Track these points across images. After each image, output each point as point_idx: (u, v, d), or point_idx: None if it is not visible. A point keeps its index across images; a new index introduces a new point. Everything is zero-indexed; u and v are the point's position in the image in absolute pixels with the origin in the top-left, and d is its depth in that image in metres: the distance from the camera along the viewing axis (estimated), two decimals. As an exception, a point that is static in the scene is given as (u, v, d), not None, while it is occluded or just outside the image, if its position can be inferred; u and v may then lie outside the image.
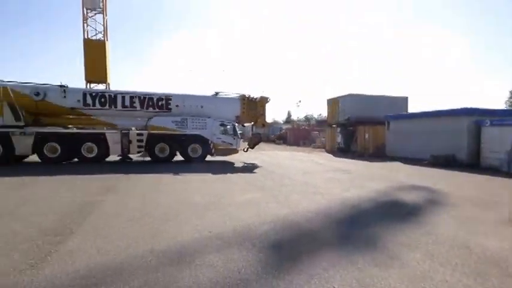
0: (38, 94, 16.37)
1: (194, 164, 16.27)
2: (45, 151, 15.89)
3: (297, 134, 42.58)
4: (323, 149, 31.26)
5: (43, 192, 8.91)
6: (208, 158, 18.21)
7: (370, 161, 19.42)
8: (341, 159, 21.15)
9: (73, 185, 10.15)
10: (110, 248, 4.68)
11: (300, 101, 56.98)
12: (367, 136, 25.30)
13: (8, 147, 15.42)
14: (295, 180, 11.27)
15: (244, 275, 3.86)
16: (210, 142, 17.67)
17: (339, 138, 29.26)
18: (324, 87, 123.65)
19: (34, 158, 16.36)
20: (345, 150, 27.33)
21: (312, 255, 4.50)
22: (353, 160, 20.28)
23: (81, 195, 8.41)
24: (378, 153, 23.36)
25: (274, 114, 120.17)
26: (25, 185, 9.98)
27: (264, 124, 20.03)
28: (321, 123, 48.05)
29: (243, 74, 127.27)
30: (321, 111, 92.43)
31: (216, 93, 19.07)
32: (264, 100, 19.56)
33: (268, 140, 43.60)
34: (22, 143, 15.59)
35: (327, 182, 11.19)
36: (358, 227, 5.91)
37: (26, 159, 16.96)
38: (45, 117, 17.00)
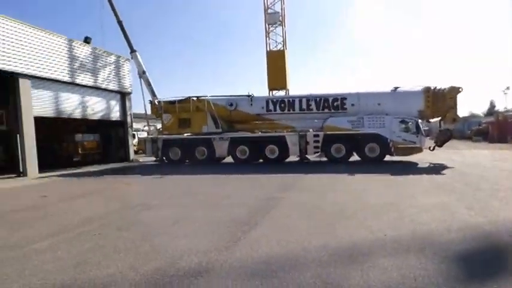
0: (231, 105, 19.19)
1: (371, 164, 15.77)
2: (237, 153, 18.41)
3: (503, 128, 34.02)
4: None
5: (236, 188, 10.42)
6: (388, 158, 17.31)
7: None
8: None
9: (257, 183, 11.45)
10: (288, 240, 5.08)
11: (507, 88, 46.91)
12: None
13: (210, 150, 18.67)
14: (496, 185, 9.47)
15: (420, 284, 3.54)
16: (389, 141, 16.76)
17: None
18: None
19: (229, 159, 19.20)
20: None
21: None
22: None
23: (264, 192, 9.40)
24: None
25: (470, 105, 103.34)
26: (224, 183, 11.87)
27: (456, 118, 17.55)
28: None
29: (428, 64, 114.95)
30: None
31: (395, 88, 17.94)
32: (454, 91, 17.15)
33: (463, 137, 37.35)
34: (220, 147, 18.56)
35: (543, 186, 8.97)
36: None
37: (223, 161, 20.03)
38: (237, 124, 19.75)
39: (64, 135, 21.08)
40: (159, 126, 22.76)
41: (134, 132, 26.84)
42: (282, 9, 30.05)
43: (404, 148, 16.79)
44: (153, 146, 19.76)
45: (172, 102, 20.05)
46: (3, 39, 15.23)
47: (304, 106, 18.44)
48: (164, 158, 19.67)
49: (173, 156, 19.40)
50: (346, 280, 3.65)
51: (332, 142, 17.39)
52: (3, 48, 15.21)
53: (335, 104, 18.12)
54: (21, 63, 15.93)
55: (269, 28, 30.13)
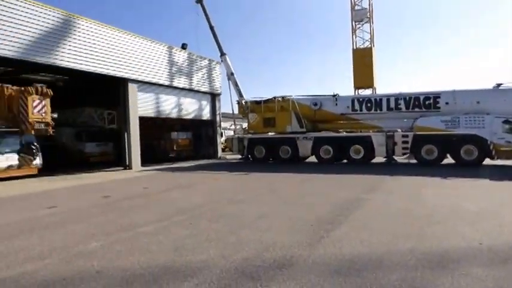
0: (315, 104, 19.12)
1: (468, 168, 14.39)
2: (320, 153, 18.32)
3: None
4: None
5: (320, 187, 10.43)
6: (487, 161, 15.61)
7: None
8: None
9: (341, 183, 11.30)
10: (372, 241, 5.00)
11: None
12: None
13: (294, 149, 18.86)
14: None
15: (523, 297, 3.25)
16: (489, 143, 15.11)
17: None
18: None
19: (312, 158, 19.16)
20: None
21: None
22: None
23: (349, 193, 9.26)
24: None
25: None
26: (308, 182, 11.95)
27: None
28: None
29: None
30: None
31: (498, 85, 16.08)
32: None
33: None
34: (304, 146, 18.64)
35: None
36: None
37: (306, 160, 20.07)
38: (321, 123, 19.61)
39: (162, 133, 23.17)
40: (244, 125, 23.71)
41: (222, 131, 28.35)
42: (369, 5, 28.95)
43: (509, 151, 14.96)
44: (239, 144, 20.67)
45: (258, 102, 20.72)
46: (117, 50, 17.36)
47: (392, 105, 17.56)
48: (249, 156, 20.45)
49: (258, 155, 20.06)
50: (434, 286, 3.51)
51: (423, 143, 16.26)
52: (117, 57, 17.33)
53: (427, 102, 16.91)
54: (130, 70, 17.98)
55: (356, 25, 29.24)
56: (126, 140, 18.16)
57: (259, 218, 6.59)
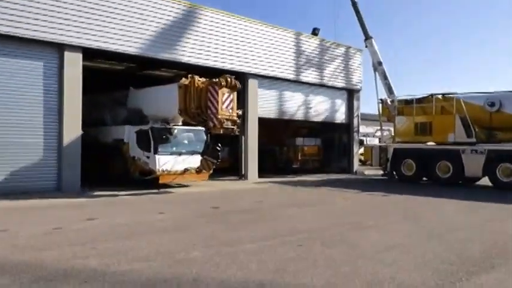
0: (492, 104, 17.67)
1: None
2: (497, 173, 16.80)
3: None
4: None
5: (478, 220, 9.96)
6: None
7: None
8: None
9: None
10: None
11: None
12: None
13: (457, 166, 17.77)
14: None
15: None
16: None
17: None
18: None
19: (484, 180, 17.79)
20: None
21: None
22: None
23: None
24: None
25: None
26: (466, 212, 11.45)
27: None
28: None
29: None
30: None
31: None
32: None
33: None
34: (472, 163, 17.39)
35: None
36: None
37: (477, 182, 18.69)
38: (500, 131, 18.05)
39: (284, 138, 24.42)
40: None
41: (362, 138, 28.28)
42: None
43: None
44: (381, 155, 20.51)
45: (408, 102, 20.27)
46: (237, 40, 19.26)
47: None
48: (394, 172, 20.07)
49: (406, 171, 19.55)
50: None
51: None
52: (237, 49, 19.21)
53: None
54: (249, 62, 19.76)
55: None
56: (243, 145, 19.87)
57: (385, 250, 6.83)
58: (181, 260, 6.02)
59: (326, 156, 25.20)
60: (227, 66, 18.87)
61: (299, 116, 22.42)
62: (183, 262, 5.89)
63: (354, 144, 24.93)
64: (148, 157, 14.67)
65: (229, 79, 12.92)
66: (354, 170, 24.51)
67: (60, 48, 14.13)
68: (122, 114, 16.99)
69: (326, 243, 7.17)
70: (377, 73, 22.83)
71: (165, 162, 14.51)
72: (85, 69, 14.86)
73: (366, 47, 23.77)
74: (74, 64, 14.29)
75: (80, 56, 14.50)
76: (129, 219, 9.47)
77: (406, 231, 8.50)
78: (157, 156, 14.42)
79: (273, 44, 20.82)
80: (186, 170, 14.72)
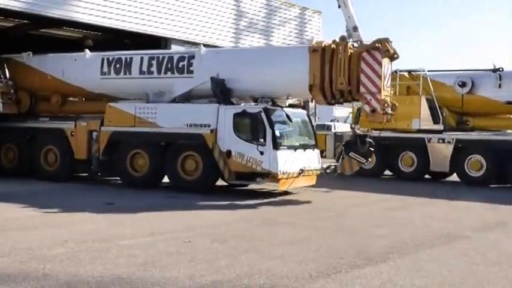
0: (464, 85, 18.67)
1: None
2: (466, 167, 17.97)
3: None
4: None
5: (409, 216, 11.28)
6: None
7: None
8: None
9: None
10: None
11: None
12: None
13: (422, 158, 18.82)
14: None
15: None
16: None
17: None
18: None
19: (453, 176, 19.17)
20: None
21: None
22: None
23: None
24: None
25: None
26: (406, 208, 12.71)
27: None
28: None
29: None
30: None
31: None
32: None
33: None
34: (438, 154, 18.47)
35: None
36: None
37: (448, 178, 19.84)
38: (472, 116, 19.34)
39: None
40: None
41: (330, 123, 29.15)
42: None
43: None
44: (336, 145, 20.97)
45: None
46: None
47: None
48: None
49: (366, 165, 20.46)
50: None
51: None
52: (156, 6, 19.62)
53: None
54: (175, 25, 20.36)
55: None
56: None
57: (282, 244, 7.81)
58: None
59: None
60: (145, 29, 19.48)
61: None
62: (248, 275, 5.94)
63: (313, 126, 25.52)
64: (262, 153, 13.17)
65: (390, 47, 12.19)
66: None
67: None
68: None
69: (219, 240, 8.16)
70: (352, 40, 23.08)
71: (285, 160, 13.24)
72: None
73: (339, 7, 23.23)
74: None
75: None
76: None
77: (321, 226, 9.65)
78: (278, 152, 13.12)
79: (206, 2, 21.38)
80: (301, 171, 13.61)
